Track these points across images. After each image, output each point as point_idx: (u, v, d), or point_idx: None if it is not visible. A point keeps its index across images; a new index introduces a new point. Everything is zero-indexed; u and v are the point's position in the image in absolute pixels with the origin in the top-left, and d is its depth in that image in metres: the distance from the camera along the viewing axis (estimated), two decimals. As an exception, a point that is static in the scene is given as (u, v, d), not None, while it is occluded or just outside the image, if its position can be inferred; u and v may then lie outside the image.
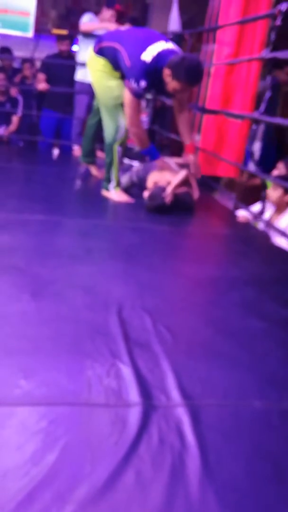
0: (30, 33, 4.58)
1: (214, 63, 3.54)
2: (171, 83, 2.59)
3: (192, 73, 2.53)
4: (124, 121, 2.92)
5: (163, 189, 2.79)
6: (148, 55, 2.56)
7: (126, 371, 1.18)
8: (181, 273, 1.95)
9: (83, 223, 2.46)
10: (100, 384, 1.13)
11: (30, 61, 4.92)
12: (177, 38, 4.67)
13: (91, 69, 2.97)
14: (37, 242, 2.07)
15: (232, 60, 3.37)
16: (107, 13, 4.27)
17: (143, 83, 2.58)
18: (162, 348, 1.30)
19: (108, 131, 2.98)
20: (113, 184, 3.03)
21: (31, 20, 4.50)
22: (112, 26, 4.25)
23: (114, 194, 3.02)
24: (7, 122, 4.81)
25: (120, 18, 4.50)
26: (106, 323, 1.41)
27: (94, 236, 2.27)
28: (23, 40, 5.37)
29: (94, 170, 3.51)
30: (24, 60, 5.28)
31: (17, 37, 4.95)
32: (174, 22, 4.81)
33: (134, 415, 1.04)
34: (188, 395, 1.12)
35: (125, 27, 4.49)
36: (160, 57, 2.56)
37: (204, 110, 3.64)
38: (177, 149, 4.61)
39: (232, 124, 3.54)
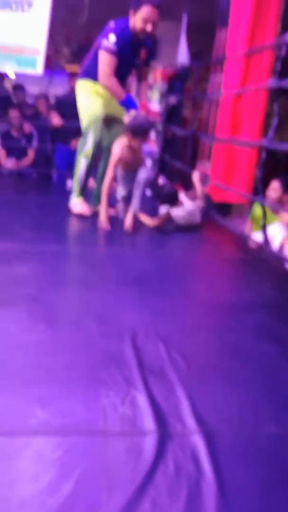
0: (39, 71, 4.76)
1: (222, 92, 3.62)
2: (138, 17, 2.83)
3: None
4: (92, 136, 3.14)
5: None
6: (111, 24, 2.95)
7: (141, 399, 1.18)
8: (194, 299, 1.96)
9: (95, 252, 2.50)
10: (115, 412, 1.13)
11: (44, 97, 5.08)
12: (186, 70, 4.80)
13: (78, 94, 3.21)
14: (51, 271, 2.10)
15: (240, 90, 3.44)
16: None
17: (112, 37, 2.86)
18: (177, 375, 1.30)
19: (79, 144, 3.23)
20: (74, 194, 3.23)
21: (41, 57, 4.66)
22: None
23: (74, 204, 3.22)
24: (22, 156, 4.94)
25: None
26: (121, 351, 1.42)
27: (106, 263, 2.30)
28: (38, 76, 5.56)
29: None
30: (38, 96, 5.46)
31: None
32: (182, 55, 4.96)
33: (149, 443, 1.04)
34: (204, 422, 1.11)
35: None
36: (118, 21, 2.92)
37: (213, 139, 3.70)
38: (186, 178, 4.68)
39: (242, 151, 3.59)
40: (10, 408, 1.13)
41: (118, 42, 2.88)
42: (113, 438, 1.06)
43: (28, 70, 4.69)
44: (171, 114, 4.72)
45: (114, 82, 2.98)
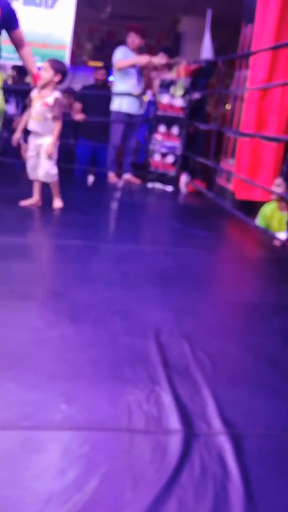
0: None
1: (247, 88, 3.58)
2: None
3: None
4: None
5: None
6: None
7: (166, 398, 1.17)
8: (218, 298, 1.94)
9: (119, 248, 2.49)
10: (140, 410, 1.13)
11: (68, 92, 5.09)
12: (210, 65, 4.76)
13: None
14: (75, 267, 2.11)
15: (266, 85, 3.39)
16: (130, 38, 4.43)
17: None
18: (202, 375, 1.29)
19: None
20: None
21: (67, 53, 4.69)
22: (144, 59, 4.40)
23: None
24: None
25: (142, 35, 4.57)
26: (145, 348, 1.41)
27: (130, 260, 2.29)
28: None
29: None
30: (64, 91, 5.48)
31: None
32: (206, 50, 4.91)
33: (175, 443, 1.03)
34: (230, 424, 1.10)
35: (160, 56, 4.62)
36: None
37: (238, 134, 3.67)
38: (209, 174, 4.64)
39: (267, 147, 3.54)
40: (35, 402, 1.13)
41: None
42: (138, 436, 1.05)
43: None
44: (194, 110, 4.68)
45: None
